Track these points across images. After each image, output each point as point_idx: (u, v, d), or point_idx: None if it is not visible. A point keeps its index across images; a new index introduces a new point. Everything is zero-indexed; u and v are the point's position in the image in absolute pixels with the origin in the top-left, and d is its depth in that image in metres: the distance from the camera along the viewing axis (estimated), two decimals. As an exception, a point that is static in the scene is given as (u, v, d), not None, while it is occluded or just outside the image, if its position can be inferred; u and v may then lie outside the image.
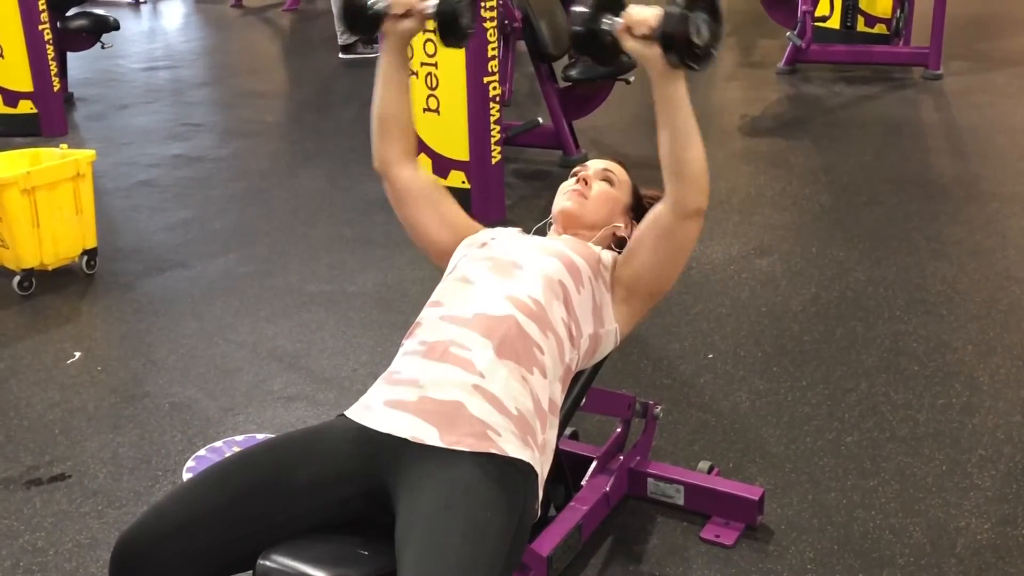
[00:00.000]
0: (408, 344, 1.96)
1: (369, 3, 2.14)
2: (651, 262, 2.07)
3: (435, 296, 2.05)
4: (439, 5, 2.13)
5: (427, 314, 2.00)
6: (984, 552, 2.42)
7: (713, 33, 1.86)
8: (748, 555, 2.43)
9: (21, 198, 3.81)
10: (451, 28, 2.16)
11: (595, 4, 1.95)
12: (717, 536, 2.48)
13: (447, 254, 2.20)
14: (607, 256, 2.13)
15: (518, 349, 1.89)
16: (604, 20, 1.95)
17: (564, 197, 2.26)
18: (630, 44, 1.93)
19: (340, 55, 8.16)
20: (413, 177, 2.27)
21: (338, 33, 8.17)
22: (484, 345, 1.87)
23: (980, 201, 4.70)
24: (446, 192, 2.32)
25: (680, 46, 1.84)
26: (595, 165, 2.31)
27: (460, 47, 2.28)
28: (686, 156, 1.97)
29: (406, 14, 2.15)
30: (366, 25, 2.17)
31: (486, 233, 2.21)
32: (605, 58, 2.05)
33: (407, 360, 1.92)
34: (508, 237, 2.17)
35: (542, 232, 2.31)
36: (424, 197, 2.26)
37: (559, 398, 1.97)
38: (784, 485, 2.67)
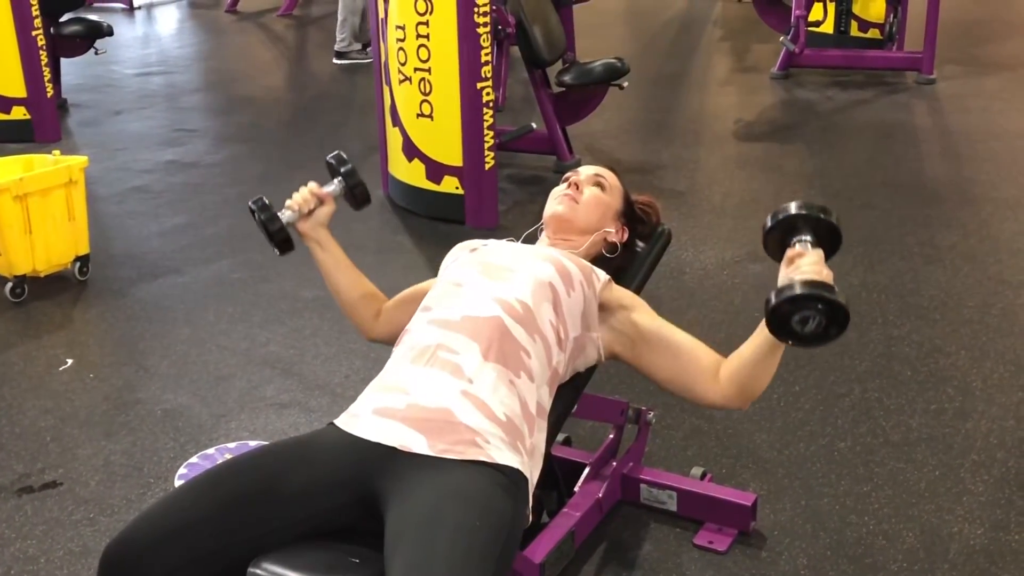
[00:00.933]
0: (398, 350, 1.97)
1: (280, 224, 2.19)
2: (642, 366, 2.12)
3: (426, 301, 2.05)
4: (349, 181, 2.24)
5: (417, 319, 2.01)
6: (977, 557, 2.42)
7: (817, 333, 1.79)
8: (741, 561, 2.43)
9: (13, 204, 3.81)
10: (365, 196, 2.27)
11: (803, 217, 1.90)
12: (710, 542, 2.47)
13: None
14: (602, 274, 2.12)
15: (505, 352, 1.89)
16: (799, 237, 1.90)
17: (555, 202, 2.26)
18: (783, 271, 1.88)
19: (335, 60, 8.17)
20: (390, 317, 2.28)
21: (338, 38, 8.20)
22: (471, 348, 1.88)
23: (973, 206, 4.71)
24: (415, 289, 2.28)
25: (779, 326, 1.82)
26: (587, 171, 2.31)
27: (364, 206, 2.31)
28: (757, 385, 2.02)
29: (314, 208, 2.22)
30: (284, 243, 2.20)
31: (477, 240, 2.21)
32: (771, 246, 1.97)
33: (396, 366, 1.93)
34: (500, 244, 2.18)
35: (533, 237, 2.31)
36: (409, 309, 2.18)
37: (547, 402, 1.97)
38: (777, 491, 2.67)
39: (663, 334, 2.09)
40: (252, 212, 2.20)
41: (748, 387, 2.00)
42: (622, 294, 2.14)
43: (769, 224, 1.93)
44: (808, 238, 1.89)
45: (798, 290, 1.76)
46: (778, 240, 1.93)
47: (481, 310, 1.94)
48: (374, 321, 2.30)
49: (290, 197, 2.25)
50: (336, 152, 2.28)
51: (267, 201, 2.20)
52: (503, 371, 1.87)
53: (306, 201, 2.22)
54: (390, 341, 2.19)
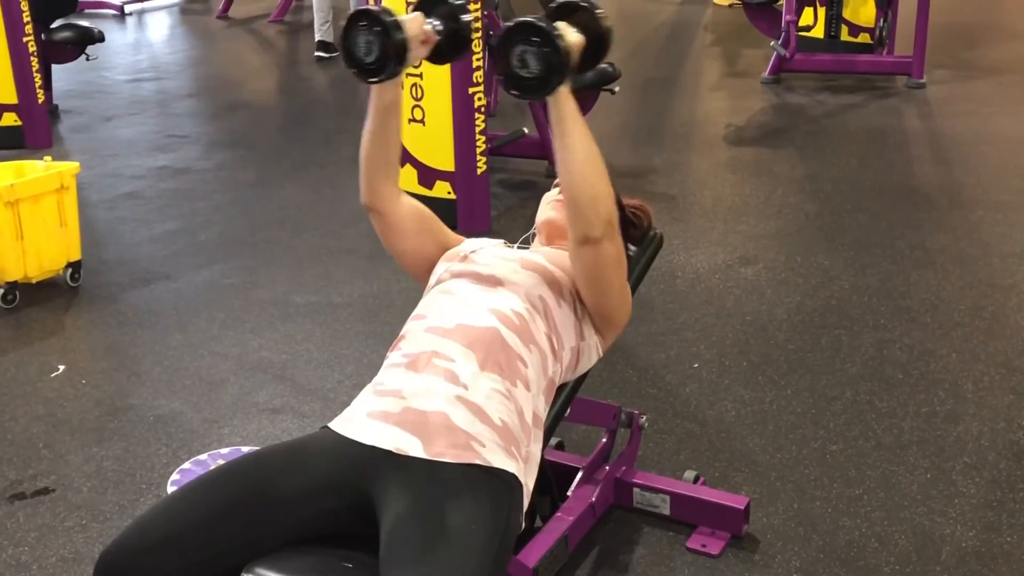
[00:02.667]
0: (392, 356, 1.97)
1: (398, 38, 1.95)
2: (586, 295, 2.06)
3: (419, 309, 2.05)
4: (453, 21, 2.05)
5: (411, 327, 2.01)
6: (969, 559, 2.42)
7: (545, 64, 1.78)
8: (734, 564, 2.43)
9: (5, 210, 3.80)
10: (462, 44, 2.11)
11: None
12: (703, 545, 2.48)
13: (431, 270, 2.19)
14: None
15: (501, 361, 1.89)
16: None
17: (548, 207, 2.26)
18: None
19: (316, 52, 8.31)
20: (406, 209, 2.19)
21: (316, 28, 8.37)
22: (467, 356, 1.88)
23: (964, 209, 4.72)
24: (432, 214, 2.25)
25: (509, 81, 1.82)
26: (579, 175, 2.30)
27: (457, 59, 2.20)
28: (571, 178, 1.91)
29: (422, 43, 2.05)
30: (397, 61, 1.97)
31: (467, 245, 2.21)
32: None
33: (391, 372, 1.92)
34: (489, 250, 2.17)
35: (526, 244, 2.31)
36: (418, 226, 2.19)
37: (543, 412, 1.97)
38: (770, 494, 2.68)
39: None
40: (355, 23, 1.95)
41: (573, 197, 1.91)
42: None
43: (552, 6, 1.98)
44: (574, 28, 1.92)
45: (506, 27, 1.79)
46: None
47: (477, 319, 1.94)
48: (393, 193, 2.16)
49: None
50: None
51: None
52: (500, 380, 1.87)
53: (418, 32, 2.00)
54: (384, 224, 2.16)
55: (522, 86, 1.82)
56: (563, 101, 1.88)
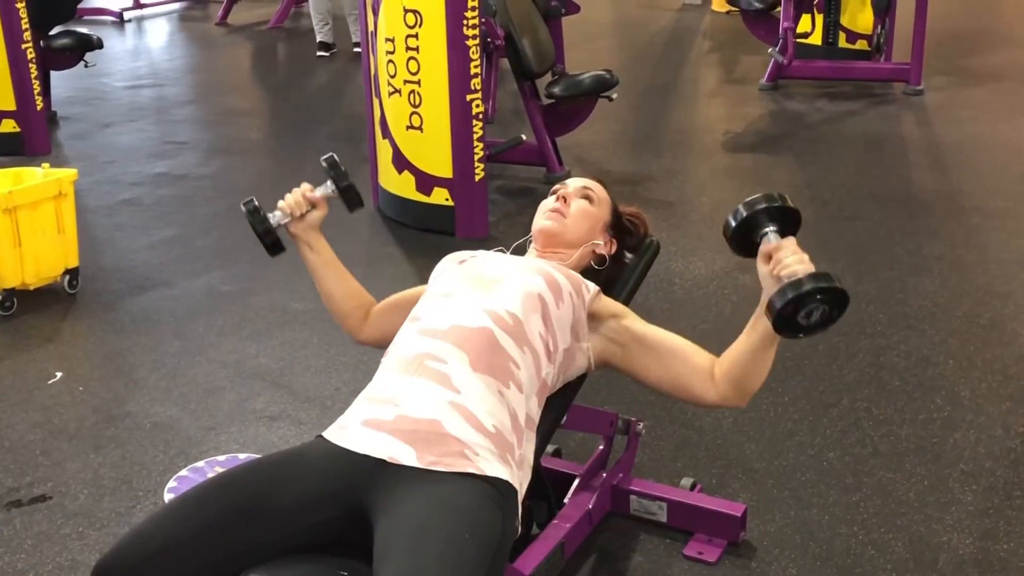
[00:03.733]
0: (386, 360, 1.98)
1: (270, 227, 2.20)
2: (636, 371, 2.11)
3: (414, 312, 2.06)
4: (342, 183, 2.21)
5: (406, 329, 2.01)
6: (966, 567, 2.42)
7: (823, 321, 1.83)
8: (731, 572, 2.43)
9: (2, 217, 3.80)
10: (357, 199, 2.23)
11: (764, 211, 1.91)
12: (700, 553, 2.48)
13: None
14: (591, 286, 2.13)
15: (494, 363, 1.89)
16: (765, 231, 1.92)
17: (543, 215, 2.27)
18: (762, 268, 1.90)
19: (318, 52, 8.68)
20: (380, 321, 2.28)
21: (316, 30, 8.81)
22: (459, 358, 1.88)
23: (961, 216, 4.73)
24: (407, 295, 2.28)
25: (787, 326, 1.83)
26: (574, 183, 2.32)
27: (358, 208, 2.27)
28: (754, 381, 2.01)
29: (307, 211, 2.23)
30: (274, 245, 2.22)
31: (466, 252, 2.22)
32: (738, 246, 1.99)
33: (384, 377, 1.93)
34: (490, 255, 2.19)
35: (522, 250, 2.32)
36: (400, 314, 2.18)
37: (536, 414, 1.97)
38: (766, 501, 2.68)
39: (657, 336, 2.10)
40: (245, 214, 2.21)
41: (745, 383, 2.00)
42: (612, 304, 2.15)
43: (733, 224, 1.93)
44: (773, 227, 1.90)
45: (799, 289, 1.77)
46: (744, 239, 1.94)
47: (470, 320, 1.94)
48: (363, 324, 2.30)
49: (282, 199, 2.25)
50: (329, 155, 2.27)
51: (257, 204, 2.21)
52: (492, 382, 1.88)
53: (298, 204, 2.22)
54: (379, 345, 2.20)
55: (789, 326, 1.84)
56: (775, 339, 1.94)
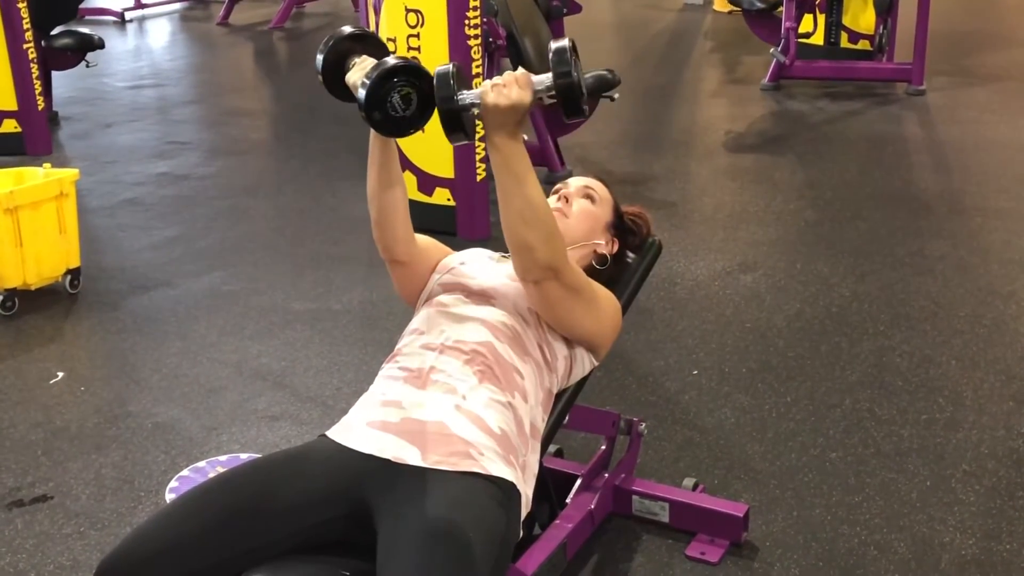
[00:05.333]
0: (389, 369, 1.97)
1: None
2: (559, 329, 2.03)
3: (414, 324, 2.05)
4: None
5: (407, 341, 2.01)
6: (969, 567, 2.42)
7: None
8: (733, 572, 2.43)
9: (4, 217, 3.80)
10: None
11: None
12: (702, 553, 2.47)
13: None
14: None
15: (498, 374, 1.90)
16: (463, 99, 1.84)
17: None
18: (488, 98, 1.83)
19: None
20: (423, 252, 2.20)
21: None
22: (464, 371, 1.89)
23: (963, 216, 4.72)
24: (435, 242, 2.26)
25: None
26: (576, 182, 2.31)
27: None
28: (504, 225, 1.87)
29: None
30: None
31: (455, 257, 2.21)
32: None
33: (389, 383, 1.92)
34: (478, 263, 2.16)
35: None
36: (431, 265, 2.18)
37: (540, 423, 1.97)
38: (769, 502, 2.67)
39: None
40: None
41: (509, 244, 1.87)
42: None
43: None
44: (546, 79, 1.81)
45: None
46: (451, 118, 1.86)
47: (472, 335, 1.94)
48: (411, 241, 2.17)
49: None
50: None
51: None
52: (498, 392, 1.88)
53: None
54: (405, 267, 2.14)
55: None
56: (500, 148, 1.82)
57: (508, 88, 1.81)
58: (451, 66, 1.86)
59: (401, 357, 1.97)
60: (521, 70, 1.85)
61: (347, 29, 2.07)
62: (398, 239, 2.16)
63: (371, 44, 2.11)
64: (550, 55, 1.82)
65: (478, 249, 2.27)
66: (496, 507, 1.73)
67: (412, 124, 1.90)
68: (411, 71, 1.86)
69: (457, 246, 2.33)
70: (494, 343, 1.93)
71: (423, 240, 2.23)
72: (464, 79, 1.89)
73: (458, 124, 1.87)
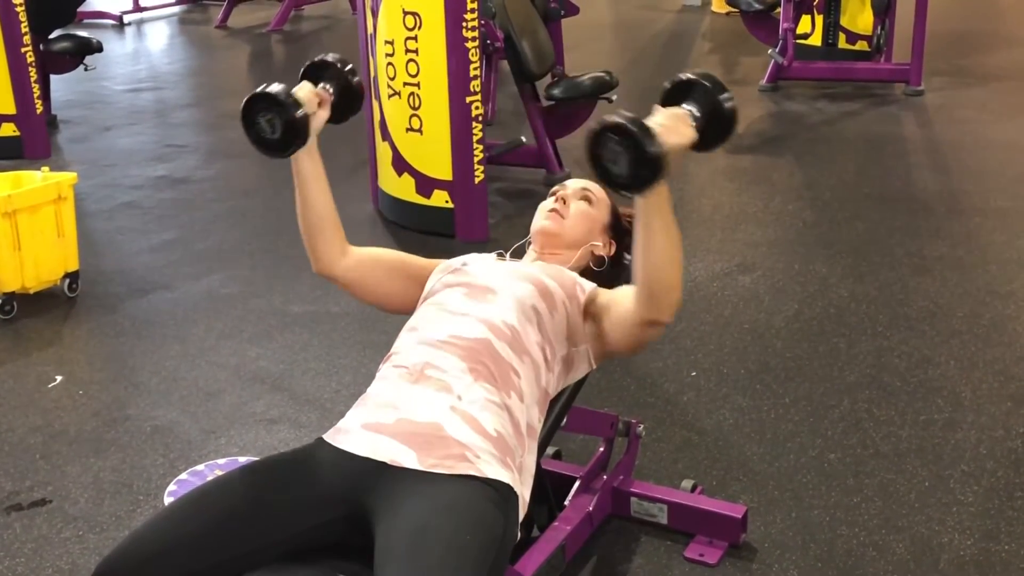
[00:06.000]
0: (384, 369, 1.97)
1: (298, 114, 2.04)
2: (607, 336, 2.05)
3: (411, 322, 2.05)
4: (343, 81, 2.14)
5: (403, 339, 2.01)
6: (968, 568, 2.42)
7: (633, 168, 1.70)
8: (732, 573, 2.43)
9: (2, 221, 3.80)
10: (355, 100, 2.18)
11: (698, 88, 1.85)
12: (701, 555, 2.47)
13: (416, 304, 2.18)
14: (587, 285, 2.12)
15: (494, 372, 1.89)
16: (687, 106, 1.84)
17: (542, 216, 2.26)
18: None
19: None
20: (359, 263, 2.20)
21: None
22: (460, 368, 1.88)
23: (962, 217, 4.72)
24: (399, 255, 2.26)
25: (599, 170, 1.75)
26: (573, 184, 2.31)
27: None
28: (650, 267, 1.85)
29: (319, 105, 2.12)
30: (301, 133, 2.07)
31: (459, 259, 2.21)
32: None
33: (384, 384, 1.92)
34: (482, 262, 2.17)
35: (521, 251, 2.31)
36: (384, 274, 2.19)
37: (537, 423, 1.97)
38: (767, 503, 2.67)
39: (613, 299, 2.04)
40: (252, 107, 2.04)
41: (649, 284, 1.86)
42: (606, 298, 2.09)
43: (667, 86, 1.87)
44: (692, 108, 1.82)
45: (597, 125, 1.72)
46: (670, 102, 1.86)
47: (468, 331, 1.94)
48: (339, 256, 2.18)
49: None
50: (319, 57, 2.15)
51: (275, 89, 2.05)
52: (493, 391, 1.88)
53: (311, 101, 2.07)
54: (345, 285, 2.18)
55: (612, 182, 1.76)
56: (659, 191, 1.77)
57: (681, 126, 1.79)
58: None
59: (396, 355, 1.97)
60: (680, 108, 1.82)
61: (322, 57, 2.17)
62: (323, 256, 2.18)
63: (331, 72, 2.19)
64: (699, 83, 1.83)
65: (479, 253, 2.26)
66: (493, 510, 1.73)
67: (280, 147, 2.06)
68: (267, 98, 2.02)
69: (455, 248, 2.33)
70: (491, 340, 1.93)
71: (370, 257, 2.22)
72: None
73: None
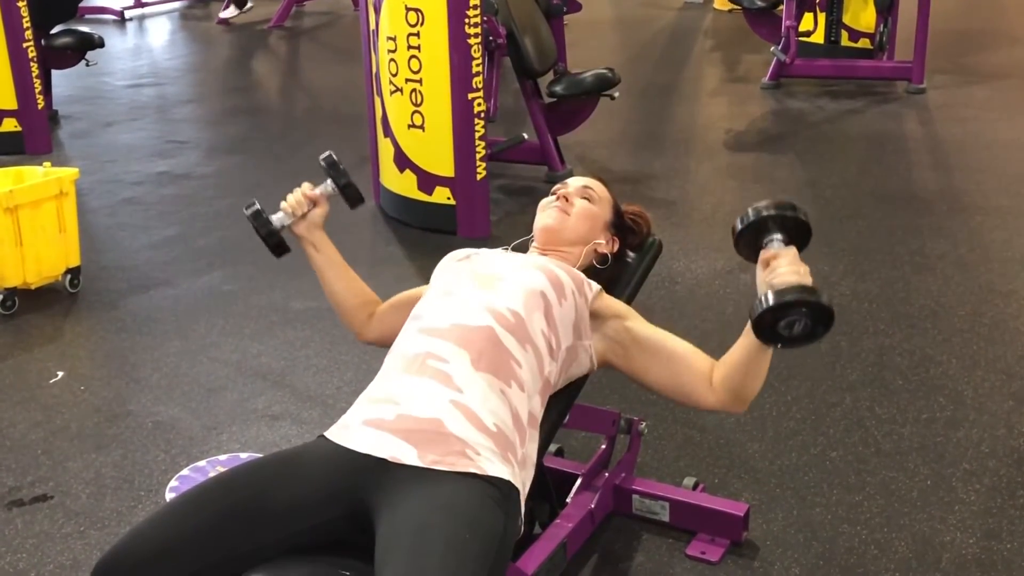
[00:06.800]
0: (388, 359, 1.97)
1: (273, 228, 2.21)
2: (636, 373, 2.11)
3: (416, 310, 2.06)
4: (341, 180, 2.23)
5: (407, 328, 2.01)
6: (969, 566, 2.42)
7: (805, 334, 1.80)
8: (734, 571, 2.42)
9: (4, 216, 3.80)
10: (357, 195, 2.25)
11: (772, 217, 1.91)
12: (703, 553, 2.47)
13: None
14: (594, 285, 2.13)
15: (495, 361, 1.89)
16: (771, 238, 1.92)
17: (544, 214, 2.26)
18: (760, 275, 1.90)
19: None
20: (382, 319, 2.29)
21: None
22: (461, 356, 1.88)
23: (963, 215, 4.72)
24: (408, 296, 2.29)
25: (766, 333, 1.83)
26: (576, 182, 2.31)
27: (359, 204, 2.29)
28: (751, 387, 1.99)
29: (309, 209, 2.24)
30: (279, 246, 2.23)
31: (469, 249, 2.21)
32: (743, 249, 1.99)
33: (386, 376, 1.93)
34: (491, 253, 2.18)
35: (523, 248, 2.31)
36: (403, 312, 2.20)
37: (539, 412, 1.97)
38: (769, 501, 2.67)
39: (658, 339, 2.09)
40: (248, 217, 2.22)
41: (741, 390, 1.99)
42: (614, 303, 2.14)
43: (739, 227, 1.93)
44: (779, 236, 1.90)
45: (781, 298, 1.77)
46: (750, 242, 1.94)
47: (472, 319, 1.94)
48: (367, 323, 2.30)
49: (284, 199, 2.26)
50: (327, 153, 2.27)
51: (259, 206, 2.22)
52: (494, 381, 1.87)
53: (299, 204, 2.24)
54: (383, 344, 2.20)
55: (772, 335, 1.84)
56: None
57: (801, 268, 1.86)
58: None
59: (398, 345, 1.98)
60: (790, 248, 1.89)
61: None
62: (352, 327, 2.33)
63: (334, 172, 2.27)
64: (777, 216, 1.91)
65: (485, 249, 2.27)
66: (493, 507, 1.72)
67: (271, 251, 2.27)
68: (251, 217, 2.22)
69: (456, 245, 2.33)
70: (494, 328, 1.93)
71: (389, 304, 2.30)
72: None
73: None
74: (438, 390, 1.84)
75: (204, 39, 10.27)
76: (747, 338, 1.93)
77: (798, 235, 1.91)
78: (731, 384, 1.99)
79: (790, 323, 1.78)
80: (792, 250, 1.88)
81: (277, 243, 2.23)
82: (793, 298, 1.76)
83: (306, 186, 2.26)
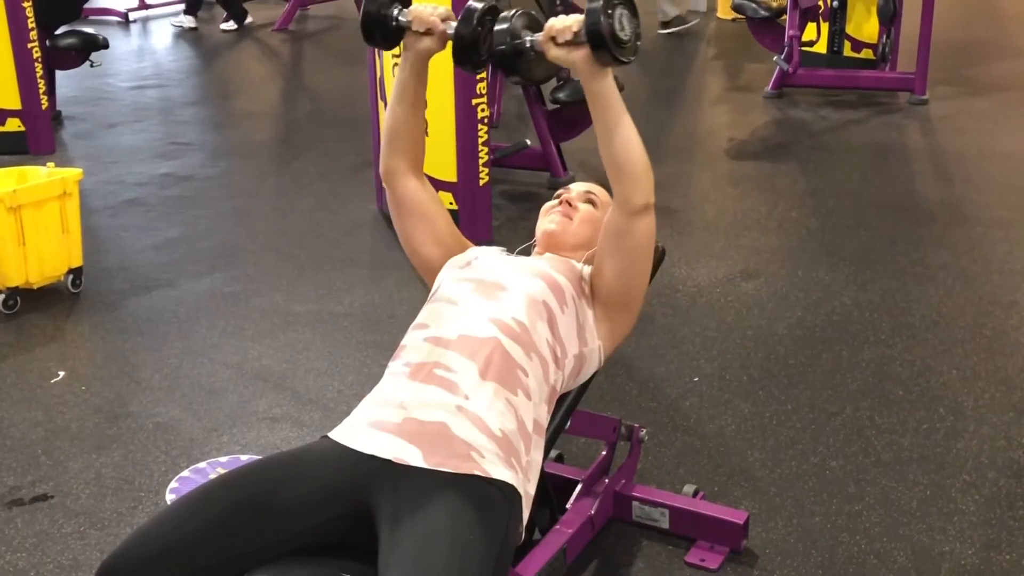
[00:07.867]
0: (393, 366, 1.97)
1: (392, 14, 2.14)
2: (614, 269, 2.09)
3: (420, 318, 2.05)
4: (458, 28, 2.08)
5: (412, 336, 2.01)
6: (968, 577, 2.42)
7: (634, 25, 1.94)
8: (732, 579, 2.43)
9: (7, 216, 3.80)
10: (467, 54, 2.09)
11: (516, 24, 2.02)
12: (702, 560, 2.47)
13: (434, 271, 2.21)
14: (587, 270, 2.14)
15: (502, 371, 1.89)
16: (526, 37, 2.02)
17: (547, 219, 2.27)
18: (554, 52, 1.97)
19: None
20: (414, 190, 2.25)
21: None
22: (469, 367, 1.88)
23: (965, 226, 4.73)
24: (443, 210, 2.30)
25: (608, 41, 1.91)
26: (578, 187, 2.32)
27: (474, 73, 2.29)
28: (623, 152, 2.01)
29: (427, 32, 2.13)
30: (386, 37, 2.16)
31: (470, 252, 2.22)
32: (532, 72, 2.10)
33: (392, 381, 1.93)
34: (491, 257, 2.18)
35: (526, 254, 2.31)
36: (421, 212, 2.25)
37: (544, 420, 1.97)
38: (769, 509, 2.68)
39: (600, 244, 2.14)
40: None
41: (623, 165, 2.02)
42: (596, 278, 2.14)
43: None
44: (530, 35, 2.02)
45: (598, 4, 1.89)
46: (517, 50, 2.04)
47: (478, 330, 1.94)
48: (401, 175, 2.24)
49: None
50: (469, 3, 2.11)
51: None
52: (500, 390, 1.88)
53: (419, 20, 2.11)
54: (391, 201, 2.25)
55: (618, 46, 1.93)
56: (609, 77, 2.01)
57: (564, 24, 1.94)
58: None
59: (405, 352, 1.97)
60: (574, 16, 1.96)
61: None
62: (385, 163, 2.25)
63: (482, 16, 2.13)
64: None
65: (488, 247, 2.27)
66: (496, 510, 1.73)
67: (362, 29, 2.15)
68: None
69: (460, 250, 2.32)
70: (501, 339, 1.93)
71: (424, 191, 2.27)
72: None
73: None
74: (444, 397, 1.85)
75: (208, 42, 10.28)
76: (587, 88, 2.00)
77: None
78: (612, 163, 2.02)
79: (619, 17, 1.91)
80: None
81: (385, 27, 2.13)
82: None
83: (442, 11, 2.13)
